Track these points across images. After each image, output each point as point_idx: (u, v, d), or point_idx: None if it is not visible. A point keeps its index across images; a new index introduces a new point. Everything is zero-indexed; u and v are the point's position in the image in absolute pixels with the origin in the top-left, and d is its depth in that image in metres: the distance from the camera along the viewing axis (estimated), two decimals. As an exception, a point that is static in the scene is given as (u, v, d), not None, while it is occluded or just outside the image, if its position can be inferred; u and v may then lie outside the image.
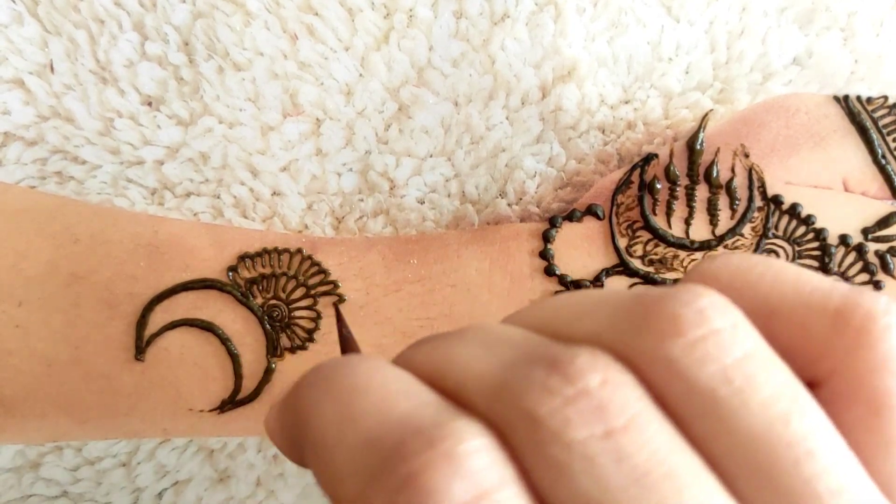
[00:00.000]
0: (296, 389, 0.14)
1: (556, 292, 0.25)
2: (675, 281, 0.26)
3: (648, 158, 0.27)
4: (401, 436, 0.12)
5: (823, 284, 0.13)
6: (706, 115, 0.27)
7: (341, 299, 0.25)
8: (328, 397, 0.13)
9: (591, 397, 0.12)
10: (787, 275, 0.14)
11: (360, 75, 0.28)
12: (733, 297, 0.13)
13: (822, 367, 0.13)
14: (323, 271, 0.26)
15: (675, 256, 0.26)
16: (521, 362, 0.13)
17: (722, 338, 0.12)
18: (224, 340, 0.24)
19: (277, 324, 0.25)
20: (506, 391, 0.12)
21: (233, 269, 0.25)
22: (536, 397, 0.12)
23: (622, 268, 0.26)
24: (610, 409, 0.12)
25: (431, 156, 0.29)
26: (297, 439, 0.14)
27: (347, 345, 0.19)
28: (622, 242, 0.26)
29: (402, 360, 0.14)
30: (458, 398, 0.13)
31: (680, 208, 0.26)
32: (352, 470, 0.12)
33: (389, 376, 0.13)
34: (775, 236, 0.26)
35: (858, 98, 0.27)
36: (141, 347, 0.24)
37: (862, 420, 0.13)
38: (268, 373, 0.25)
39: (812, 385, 0.13)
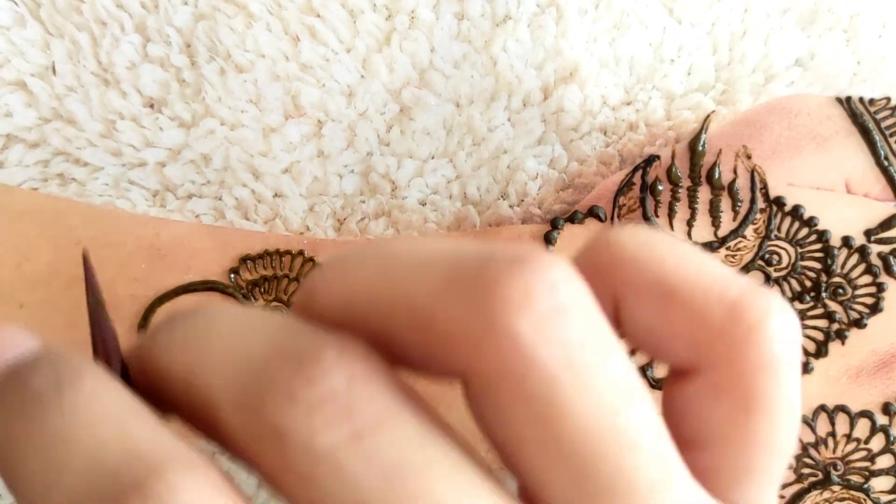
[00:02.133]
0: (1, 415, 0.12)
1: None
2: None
3: (650, 160, 0.27)
4: (114, 477, 0.11)
5: (725, 275, 0.13)
6: (708, 116, 0.27)
7: None
8: (32, 443, 0.12)
9: (336, 399, 0.11)
10: (692, 258, 0.13)
11: (362, 77, 0.28)
12: (633, 269, 0.13)
13: (704, 357, 0.13)
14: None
15: (678, 258, 0.26)
16: (268, 362, 0.12)
17: (569, 316, 0.12)
18: (226, 342, 0.24)
19: (279, 326, 0.25)
20: (250, 402, 0.12)
21: (234, 271, 0.25)
22: (280, 407, 0.11)
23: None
24: (356, 409, 0.11)
25: (433, 157, 0.29)
26: (5, 476, 0.12)
27: (97, 321, 0.16)
28: (624, 244, 0.26)
29: (150, 352, 0.13)
30: (209, 411, 0.12)
31: (682, 210, 0.26)
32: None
33: (100, 412, 0.12)
34: (777, 238, 0.26)
35: (861, 99, 0.27)
36: (143, 349, 0.24)
37: (731, 415, 0.13)
38: (269, 375, 0.25)
39: (691, 372, 0.14)
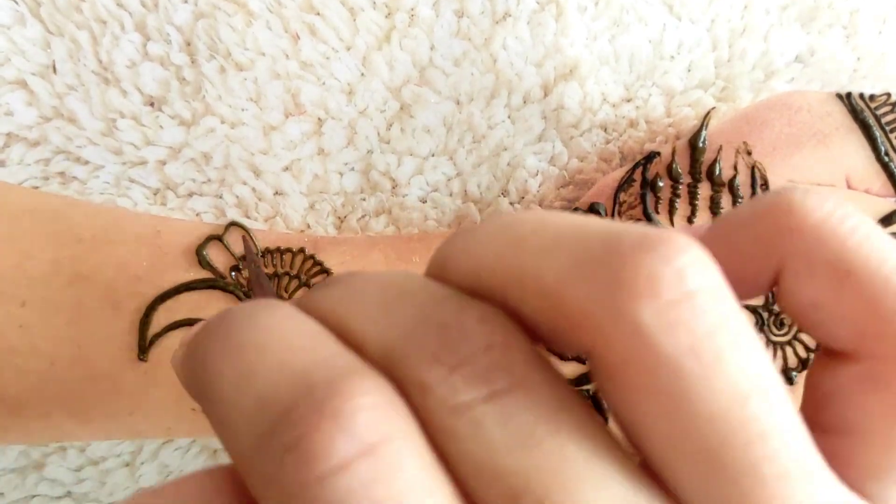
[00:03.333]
0: (198, 338, 0.13)
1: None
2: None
3: (651, 157, 0.27)
4: (292, 396, 0.12)
5: None
6: (708, 113, 0.27)
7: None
8: (227, 353, 0.13)
9: (476, 361, 0.12)
10: (878, 240, 0.13)
11: (362, 75, 0.28)
12: (812, 240, 0.12)
13: (870, 345, 0.13)
14: (325, 271, 0.26)
15: (678, 255, 0.26)
16: (415, 327, 0.12)
17: (697, 303, 0.11)
18: (227, 340, 0.24)
19: (280, 323, 0.25)
20: (398, 357, 0.12)
21: (235, 268, 0.25)
22: (425, 367, 0.12)
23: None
24: (493, 371, 0.12)
25: (433, 155, 0.29)
26: (198, 388, 0.13)
27: (259, 284, 0.17)
28: (625, 241, 0.26)
29: (310, 303, 0.14)
30: (361, 353, 0.13)
31: (682, 206, 0.26)
32: (246, 429, 0.12)
33: (292, 328, 0.13)
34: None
35: (861, 95, 0.27)
36: (144, 347, 0.24)
37: (883, 409, 0.13)
38: (270, 372, 0.25)
39: (849, 357, 0.13)
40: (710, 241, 0.13)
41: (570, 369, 0.25)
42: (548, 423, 0.12)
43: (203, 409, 0.13)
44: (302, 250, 0.26)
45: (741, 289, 0.13)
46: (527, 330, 0.13)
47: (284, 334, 0.13)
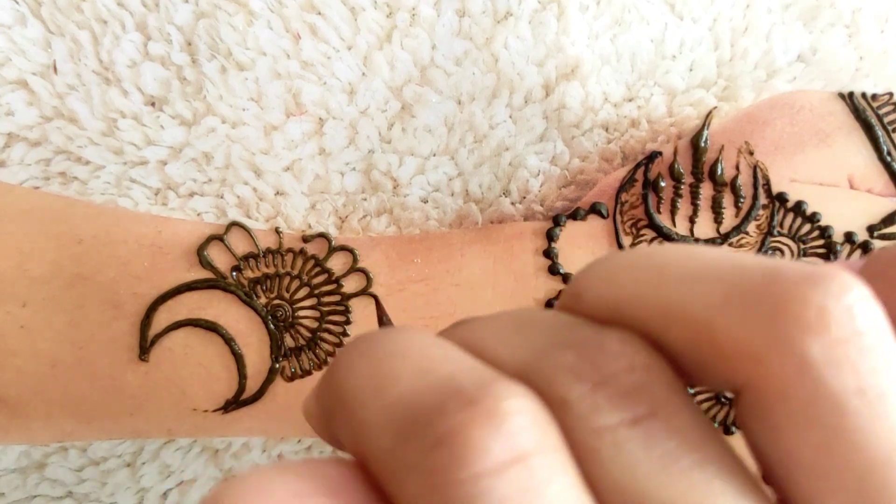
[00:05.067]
0: (333, 362, 0.13)
1: (560, 291, 0.25)
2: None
3: (652, 156, 0.27)
4: (441, 394, 0.11)
5: None
6: (710, 112, 0.27)
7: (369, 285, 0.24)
8: (365, 360, 0.13)
9: (618, 383, 0.12)
10: None
11: (363, 74, 0.28)
12: None
13: None
14: (326, 271, 0.26)
15: (680, 254, 0.26)
16: (553, 346, 0.12)
17: (865, 342, 0.11)
18: (228, 340, 0.24)
19: (281, 324, 0.25)
20: (536, 373, 0.12)
21: (236, 268, 0.25)
22: (567, 383, 0.12)
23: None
24: (636, 395, 0.12)
25: (435, 155, 0.29)
26: (331, 411, 0.13)
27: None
28: (626, 241, 0.26)
29: (441, 334, 0.14)
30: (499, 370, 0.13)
31: (684, 206, 0.26)
32: (385, 426, 0.12)
33: (429, 342, 0.13)
34: (780, 234, 0.26)
35: (863, 95, 0.27)
36: (145, 347, 0.24)
37: None
38: (272, 373, 0.25)
39: None
40: (868, 278, 0.13)
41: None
42: (693, 452, 0.11)
43: (336, 419, 0.13)
44: (303, 251, 0.26)
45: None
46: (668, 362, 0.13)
47: (425, 346, 0.13)
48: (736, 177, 0.26)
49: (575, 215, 0.26)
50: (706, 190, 0.26)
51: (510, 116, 0.29)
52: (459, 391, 0.11)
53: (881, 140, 0.26)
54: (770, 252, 0.26)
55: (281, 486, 0.11)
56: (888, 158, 0.26)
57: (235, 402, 0.24)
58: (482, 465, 0.11)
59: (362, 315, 0.25)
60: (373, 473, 0.12)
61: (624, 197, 0.27)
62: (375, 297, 0.21)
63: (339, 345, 0.25)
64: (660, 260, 0.13)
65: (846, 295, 0.11)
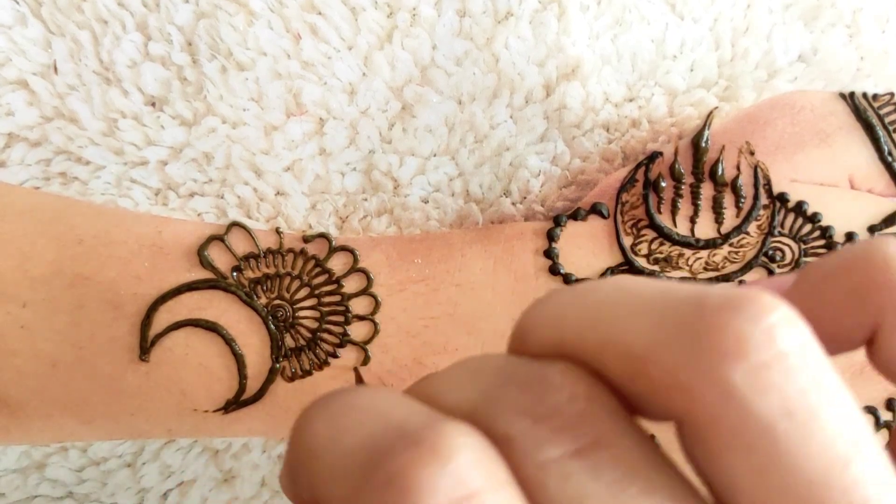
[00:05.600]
0: (295, 424, 0.14)
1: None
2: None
3: (653, 157, 0.27)
4: (390, 438, 0.12)
5: None
6: (711, 112, 0.27)
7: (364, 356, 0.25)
8: (321, 416, 0.13)
9: (560, 415, 0.12)
10: None
11: (364, 74, 0.28)
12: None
13: None
14: (327, 271, 0.26)
15: (681, 255, 0.26)
16: (497, 386, 0.13)
17: (788, 363, 0.11)
18: (228, 341, 0.24)
19: (281, 324, 0.25)
20: (482, 413, 0.12)
21: (237, 269, 0.25)
22: (509, 420, 0.12)
23: (627, 266, 0.26)
24: (578, 426, 0.12)
25: (435, 155, 0.29)
26: (293, 470, 0.13)
27: None
28: (627, 241, 0.26)
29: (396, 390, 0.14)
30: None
31: (685, 206, 0.26)
32: (339, 473, 0.12)
33: (382, 395, 0.13)
34: (781, 234, 0.26)
35: (864, 95, 0.27)
36: (145, 348, 0.24)
37: None
38: (272, 373, 0.25)
39: None
40: (798, 295, 0.13)
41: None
42: (639, 479, 0.12)
43: (298, 476, 0.13)
44: (303, 251, 0.26)
45: (832, 345, 0.13)
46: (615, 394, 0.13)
47: (378, 399, 0.13)
48: (737, 177, 0.26)
49: (576, 215, 0.26)
50: (707, 190, 0.26)
51: (511, 116, 0.29)
52: (406, 433, 0.12)
53: (882, 140, 0.26)
54: (771, 252, 0.26)
55: None
56: (889, 158, 0.26)
57: (236, 403, 0.24)
58: (430, 503, 0.11)
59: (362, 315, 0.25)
60: None
61: (625, 197, 0.26)
62: (356, 369, 0.22)
63: (340, 345, 0.25)
64: (595, 296, 0.13)
65: (765, 317, 0.11)
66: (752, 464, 0.11)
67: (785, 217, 0.26)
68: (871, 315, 0.13)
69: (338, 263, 0.26)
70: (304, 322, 0.25)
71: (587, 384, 0.12)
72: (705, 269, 0.26)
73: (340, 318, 0.25)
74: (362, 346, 0.25)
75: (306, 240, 0.26)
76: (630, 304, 0.12)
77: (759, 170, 0.26)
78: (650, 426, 0.13)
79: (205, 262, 0.25)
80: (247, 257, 0.25)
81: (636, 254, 0.26)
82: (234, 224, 0.26)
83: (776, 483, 0.11)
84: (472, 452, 0.11)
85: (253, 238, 0.26)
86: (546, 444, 0.12)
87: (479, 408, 0.12)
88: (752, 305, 0.11)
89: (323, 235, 0.26)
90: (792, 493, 0.11)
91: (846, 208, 0.26)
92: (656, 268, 0.26)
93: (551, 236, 0.26)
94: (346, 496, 0.12)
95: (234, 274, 0.25)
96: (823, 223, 0.25)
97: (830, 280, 0.13)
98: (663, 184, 0.26)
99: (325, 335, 0.25)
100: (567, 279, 0.25)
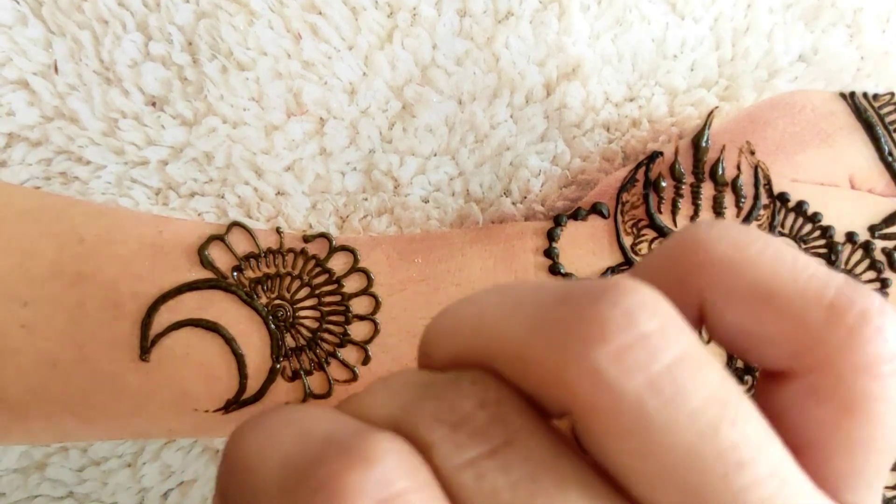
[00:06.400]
0: (225, 445, 0.14)
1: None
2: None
3: (653, 156, 0.27)
4: (319, 447, 0.12)
5: (820, 273, 0.13)
6: (711, 112, 0.27)
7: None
8: (251, 433, 0.13)
9: (472, 421, 0.12)
10: (786, 257, 0.13)
11: (364, 74, 0.28)
12: (724, 271, 0.13)
13: (802, 360, 0.13)
14: (327, 271, 0.26)
15: (681, 254, 0.26)
16: (415, 398, 0.13)
17: (649, 343, 0.11)
18: (229, 340, 0.24)
19: (282, 324, 0.25)
20: (403, 423, 0.13)
21: (237, 269, 0.25)
22: (427, 429, 0.13)
23: (627, 266, 0.26)
24: (489, 430, 0.12)
25: (436, 154, 0.29)
26: (225, 491, 0.14)
27: None
28: (627, 241, 0.26)
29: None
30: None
31: (685, 206, 0.26)
32: (270, 486, 0.12)
33: (310, 411, 0.14)
34: (781, 234, 0.26)
35: (865, 95, 0.27)
36: (146, 347, 0.24)
37: (833, 418, 0.13)
38: (272, 373, 0.25)
39: (787, 375, 0.13)
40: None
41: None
42: (549, 472, 0.12)
43: (230, 496, 0.13)
44: (304, 251, 0.26)
45: None
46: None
47: (305, 414, 0.13)
48: (737, 177, 0.26)
49: (576, 215, 0.26)
50: (707, 190, 0.26)
51: (511, 116, 0.29)
52: (333, 442, 0.12)
53: (882, 140, 0.26)
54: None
55: None
56: (889, 158, 0.26)
57: (236, 402, 0.24)
58: None
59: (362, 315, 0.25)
60: None
61: (625, 197, 0.26)
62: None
63: (340, 345, 0.25)
64: (479, 302, 0.14)
65: (624, 301, 0.12)
66: (631, 445, 0.12)
67: (785, 217, 0.26)
68: (694, 296, 0.13)
69: (338, 263, 0.26)
70: (305, 322, 0.25)
71: (496, 389, 0.13)
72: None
73: (341, 318, 0.25)
74: (363, 345, 0.25)
75: (307, 239, 0.26)
76: (507, 306, 0.13)
77: (759, 169, 0.26)
78: None
79: (205, 262, 0.25)
80: (247, 257, 0.25)
81: (636, 253, 0.26)
82: (235, 224, 0.26)
83: (655, 460, 0.11)
84: (396, 456, 0.12)
85: (253, 238, 0.26)
86: (462, 448, 0.12)
87: (400, 419, 0.13)
88: (611, 292, 0.12)
89: (323, 235, 0.26)
90: (670, 467, 0.11)
91: (847, 208, 0.26)
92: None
93: (551, 236, 0.26)
94: None
95: (235, 274, 0.25)
96: (824, 223, 0.25)
97: (657, 270, 0.14)
98: (664, 183, 0.26)
99: (326, 335, 0.25)
100: (567, 279, 0.25)
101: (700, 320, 0.14)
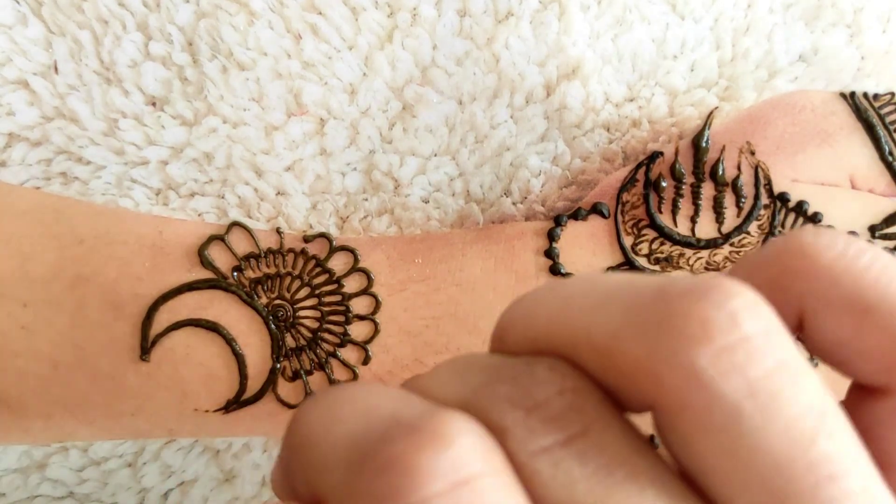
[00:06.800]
0: (290, 421, 0.14)
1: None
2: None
3: (654, 156, 0.27)
4: (386, 425, 0.12)
5: None
6: (711, 112, 0.27)
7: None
8: (315, 409, 0.13)
9: (549, 409, 0.12)
10: (893, 271, 0.13)
11: (364, 74, 0.28)
12: (828, 281, 0.13)
13: None
14: (327, 271, 0.26)
15: (681, 255, 0.26)
16: (488, 381, 0.13)
17: (752, 346, 0.11)
18: (229, 340, 0.24)
19: (282, 324, 0.25)
20: (475, 406, 0.13)
21: (238, 269, 0.25)
22: (503, 410, 0.12)
23: (628, 266, 0.26)
24: (567, 417, 0.12)
25: (436, 155, 0.29)
26: (289, 463, 0.13)
27: None
28: (628, 241, 0.26)
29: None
30: None
31: (686, 206, 0.26)
32: (335, 461, 0.12)
33: (376, 388, 0.13)
34: (782, 234, 0.26)
35: (865, 95, 0.27)
36: (146, 348, 0.24)
37: None
38: (273, 373, 0.25)
39: (881, 391, 0.13)
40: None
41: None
42: (625, 465, 0.12)
43: (293, 469, 0.13)
44: (304, 251, 0.26)
45: None
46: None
47: (371, 391, 0.13)
48: (737, 177, 0.26)
49: (576, 215, 0.26)
50: (707, 190, 0.26)
51: (511, 116, 0.29)
52: (403, 421, 0.12)
53: (883, 140, 0.26)
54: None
55: None
56: (890, 158, 0.26)
57: (236, 403, 0.24)
58: (430, 488, 0.11)
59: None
60: None
61: (625, 197, 0.26)
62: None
63: (340, 345, 0.25)
64: (564, 291, 0.13)
65: (729, 302, 0.12)
66: (720, 445, 0.11)
67: (786, 217, 0.26)
68: (794, 303, 0.13)
69: (338, 263, 0.26)
70: (305, 322, 0.25)
71: (573, 378, 0.13)
72: (706, 268, 0.26)
73: (341, 318, 0.25)
74: (363, 345, 0.25)
75: (307, 240, 0.26)
76: (596, 296, 0.13)
77: (759, 169, 0.26)
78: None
79: (205, 262, 0.25)
80: (247, 257, 0.25)
81: (637, 253, 0.26)
82: (235, 224, 0.26)
83: (744, 463, 0.11)
84: (471, 438, 0.12)
85: (253, 238, 0.26)
86: (537, 434, 0.12)
87: (471, 402, 0.13)
88: (715, 291, 0.12)
89: (323, 235, 0.26)
90: (759, 472, 0.11)
91: (847, 208, 0.26)
92: (657, 268, 0.26)
93: (552, 236, 0.26)
94: (343, 482, 0.12)
95: (235, 274, 0.25)
96: (824, 223, 0.25)
97: (756, 273, 0.13)
98: (664, 184, 0.26)
99: (326, 335, 0.25)
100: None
101: (797, 328, 0.13)
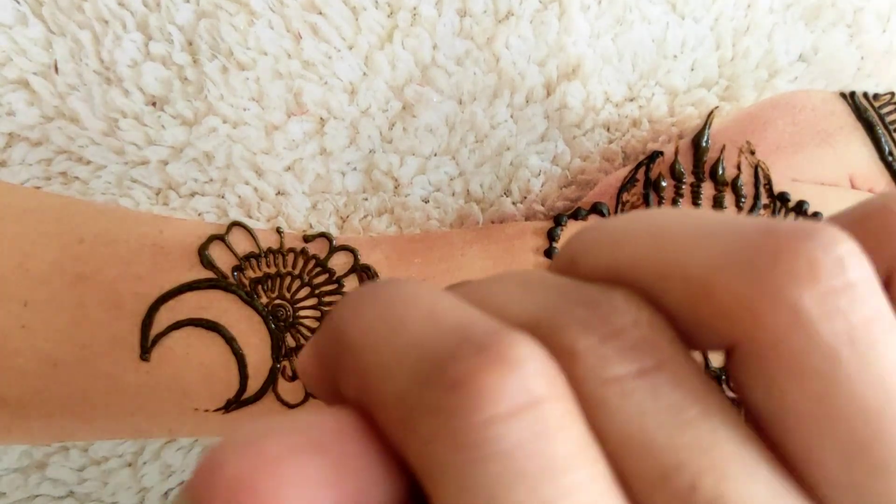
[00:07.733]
0: (335, 310, 0.13)
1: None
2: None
3: (653, 156, 0.27)
4: (452, 340, 0.12)
5: None
6: (711, 112, 0.27)
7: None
8: (372, 306, 0.13)
9: (625, 337, 0.12)
10: None
11: (364, 74, 0.28)
12: None
13: None
14: (327, 271, 0.26)
15: (681, 254, 0.26)
16: (560, 301, 0.13)
17: (856, 292, 0.11)
18: (229, 340, 0.24)
19: (282, 323, 0.25)
20: (545, 326, 0.12)
21: (238, 268, 0.25)
22: (576, 336, 0.12)
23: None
24: (642, 349, 0.12)
25: (436, 154, 0.29)
26: (334, 359, 0.13)
27: None
28: (628, 240, 0.26)
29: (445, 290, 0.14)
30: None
31: (685, 206, 0.26)
32: (397, 369, 0.12)
33: (436, 292, 0.13)
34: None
35: (865, 95, 0.27)
36: (146, 347, 0.24)
37: None
38: (273, 372, 0.25)
39: None
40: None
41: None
42: (697, 403, 0.12)
43: (340, 367, 0.13)
44: (304, 251, 0.26)
45: None
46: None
47: (432, 296, 0.13)
48: (737, 176, 0.26)
49: (576, 215, 0.26)
50: (707, 190, 0.26)
51: (511, 116, 0.29)
52: (470, 338, 0.11)
53: (883, 140, 0.26)
54: None
55: (274, 442, 0.11)
56: (889, 158, 0.26)
57: (237, 402, 0.24)
58: (496, 409, 0.11)
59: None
60: (379, 420, 0.12)
61: (625, 197, 0.26)
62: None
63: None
64: (657, 222, 0.13)
65: (836, 247, 0.12)
66: (811, 389, 0.11)
67: (786, 217, 0.26)
68: (885, 263, 0.13)
69: (338, 263, 0.26)
70: (305, 322, 0.25)
71: (650, 311, 0.12)
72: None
73: (341, 318, 0.25)
74: (363, 345, 0.25)
75: (307, 239, 0.26)
76: (695, 230, 0.13)
77: (759, 169, 0.26)
78: None
79: (205, 262, 0.25)
80: (247, 257, 0.25)
81: (637, 253, 0.26)
82: (235, 224, 0.26)
83: (830, 409, 0.11)
84: (537, 363, 0.11)
85: (254, 238, 0.26)
86: (611, 362, 0.12)
87: (542, 321, 0.12)
88: (824, 234, 0.12)
89: (323, 235, 0.26)
90: (845, 420, 0.11)
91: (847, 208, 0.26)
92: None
93: (552, 236, 0.26)
94: (404, 396, 0.11)
95: (235, 273, 0.25)
96: (824, 223, 0.25)
97: (852, 227, 0.13)
98: (664, 183, 0.26)
99: (326, 335, 0.25)
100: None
101: (884, 287, 0.13)
